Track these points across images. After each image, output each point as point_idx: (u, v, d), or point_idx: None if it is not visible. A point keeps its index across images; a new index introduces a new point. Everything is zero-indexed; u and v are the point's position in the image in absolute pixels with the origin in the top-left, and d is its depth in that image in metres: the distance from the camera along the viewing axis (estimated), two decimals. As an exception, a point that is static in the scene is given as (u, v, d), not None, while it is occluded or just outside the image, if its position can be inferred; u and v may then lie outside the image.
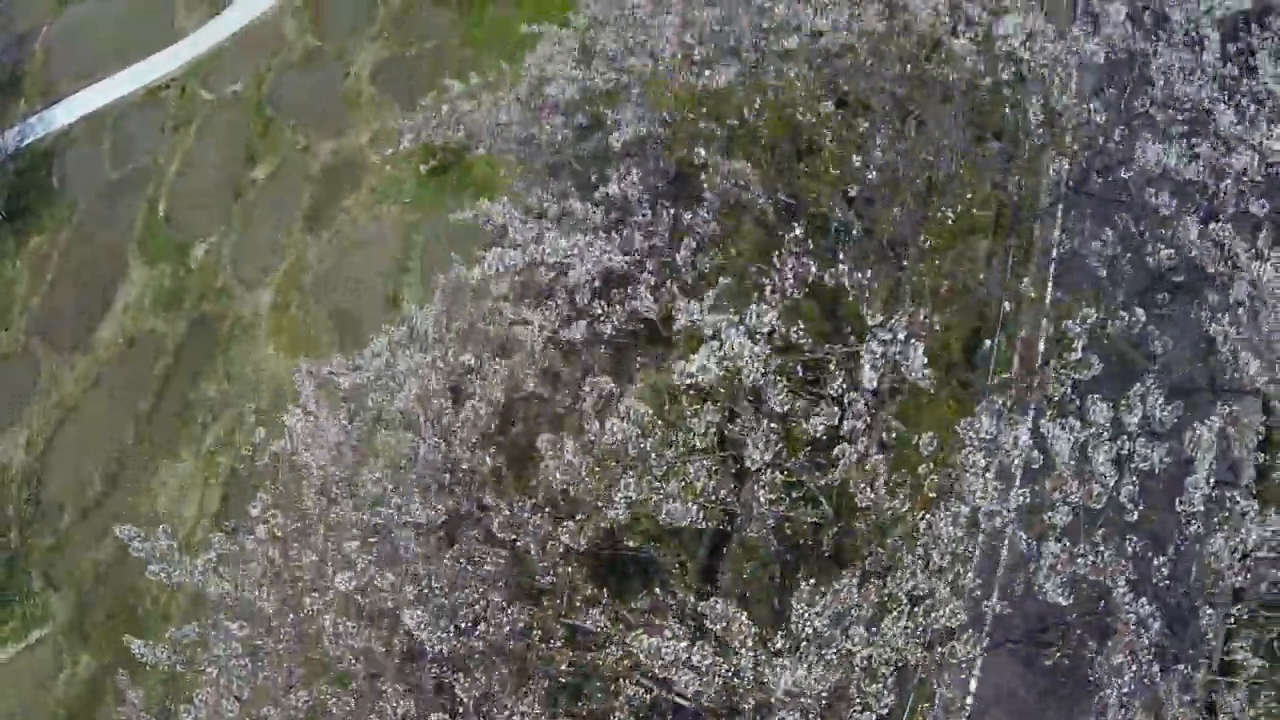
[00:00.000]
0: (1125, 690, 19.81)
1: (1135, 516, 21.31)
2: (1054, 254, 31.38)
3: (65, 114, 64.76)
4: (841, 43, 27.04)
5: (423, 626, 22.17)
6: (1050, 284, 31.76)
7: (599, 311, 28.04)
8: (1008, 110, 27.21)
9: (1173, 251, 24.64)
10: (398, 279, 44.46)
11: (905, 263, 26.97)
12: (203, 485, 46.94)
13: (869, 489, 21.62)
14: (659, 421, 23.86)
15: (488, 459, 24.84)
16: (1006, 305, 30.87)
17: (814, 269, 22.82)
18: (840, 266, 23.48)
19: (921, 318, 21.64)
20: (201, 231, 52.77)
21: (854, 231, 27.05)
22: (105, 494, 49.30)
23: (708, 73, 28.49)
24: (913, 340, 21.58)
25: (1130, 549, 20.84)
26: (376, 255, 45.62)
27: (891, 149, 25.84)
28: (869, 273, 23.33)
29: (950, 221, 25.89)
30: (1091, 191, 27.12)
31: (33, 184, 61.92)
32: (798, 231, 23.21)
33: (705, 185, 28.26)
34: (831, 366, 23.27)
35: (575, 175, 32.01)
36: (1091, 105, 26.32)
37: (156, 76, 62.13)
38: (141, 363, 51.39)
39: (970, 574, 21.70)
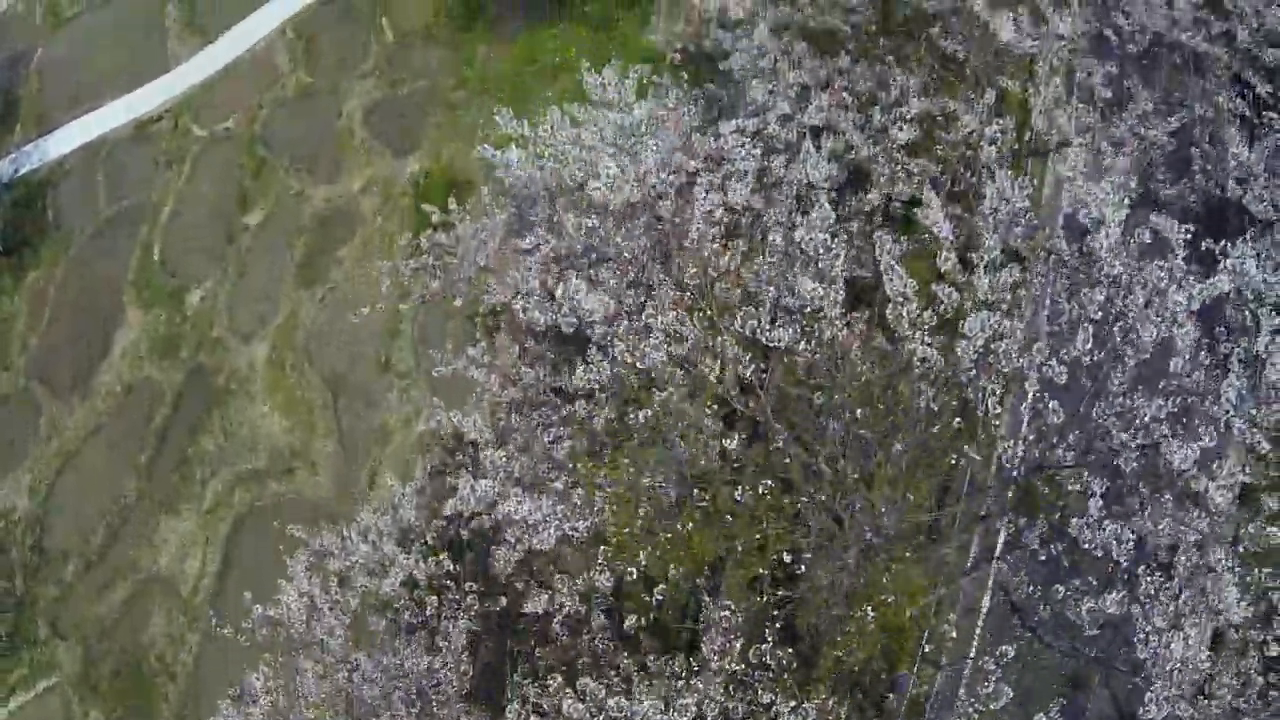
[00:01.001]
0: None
1: None
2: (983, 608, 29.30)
3: (59, 144, 62.62)
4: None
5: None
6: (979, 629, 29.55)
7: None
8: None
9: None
10: (389, 343, 42.52)
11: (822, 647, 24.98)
12: (204, 544, 45.39)
13: None
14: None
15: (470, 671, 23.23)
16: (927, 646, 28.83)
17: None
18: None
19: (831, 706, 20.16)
20: (197, 276, 50.72)
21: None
22: (108, 546, 47.98)
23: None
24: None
25: None
26: (369, 316, 43.47)
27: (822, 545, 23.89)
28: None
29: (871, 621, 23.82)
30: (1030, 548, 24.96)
31: (29, 217, 59.90)
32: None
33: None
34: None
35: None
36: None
37: (149, 108, 59.83)
38: (140, 412, 49.65)
39: None
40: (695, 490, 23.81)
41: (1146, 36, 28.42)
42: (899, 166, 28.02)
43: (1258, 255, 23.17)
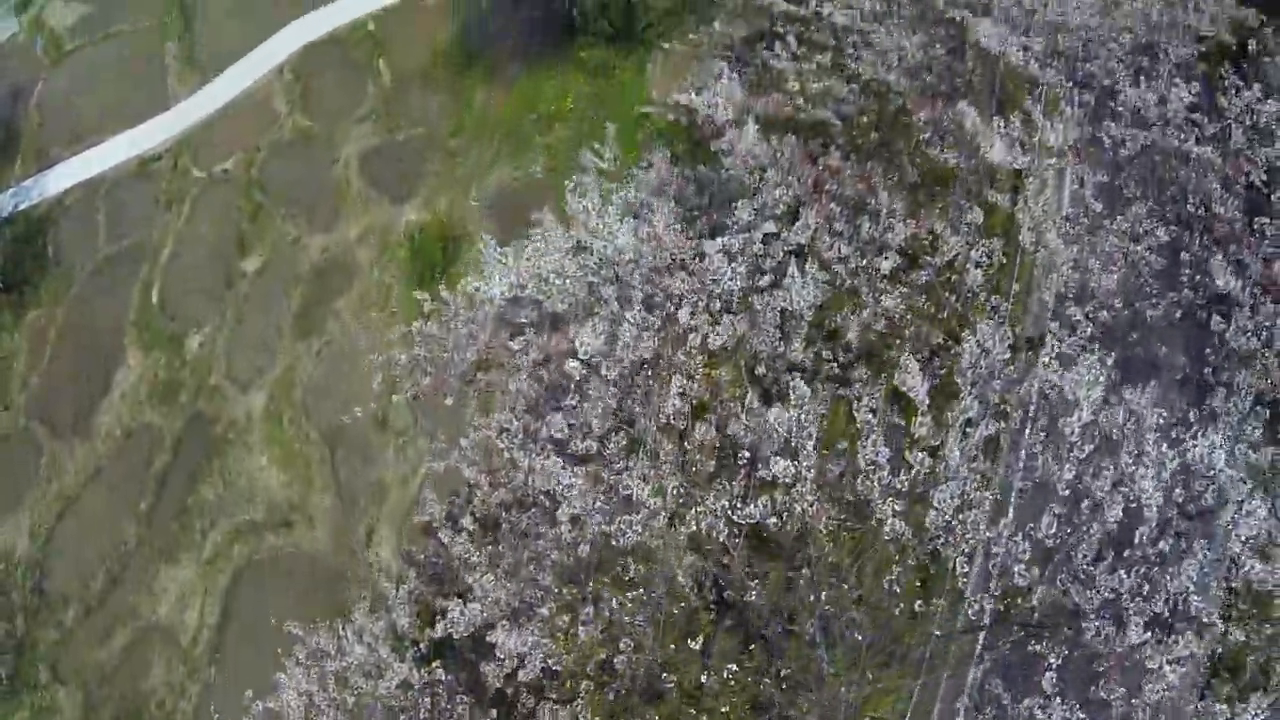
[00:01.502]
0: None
1: None
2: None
3: (60, 180, 61.79)
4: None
5: None
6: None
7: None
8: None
9: None
10: (386, 400, 41.61)
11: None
12: (203, 595, 44.61)
13: None
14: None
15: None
16: None
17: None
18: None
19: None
20: (196, 321, 49.92)
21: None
22: (108, 591, 47.19)
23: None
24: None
25: None
26: (366, 371, 42.72)
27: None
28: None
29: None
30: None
31: (29, 254, 58.99)
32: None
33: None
34: None
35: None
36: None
37: (149, 146, 59.02)
38: (140, 456, 48.87)
39: None
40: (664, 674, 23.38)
41: (1138, 143, 27.57)
42: (880, 312, 27.27)
43: (1226, 446, 22.88)
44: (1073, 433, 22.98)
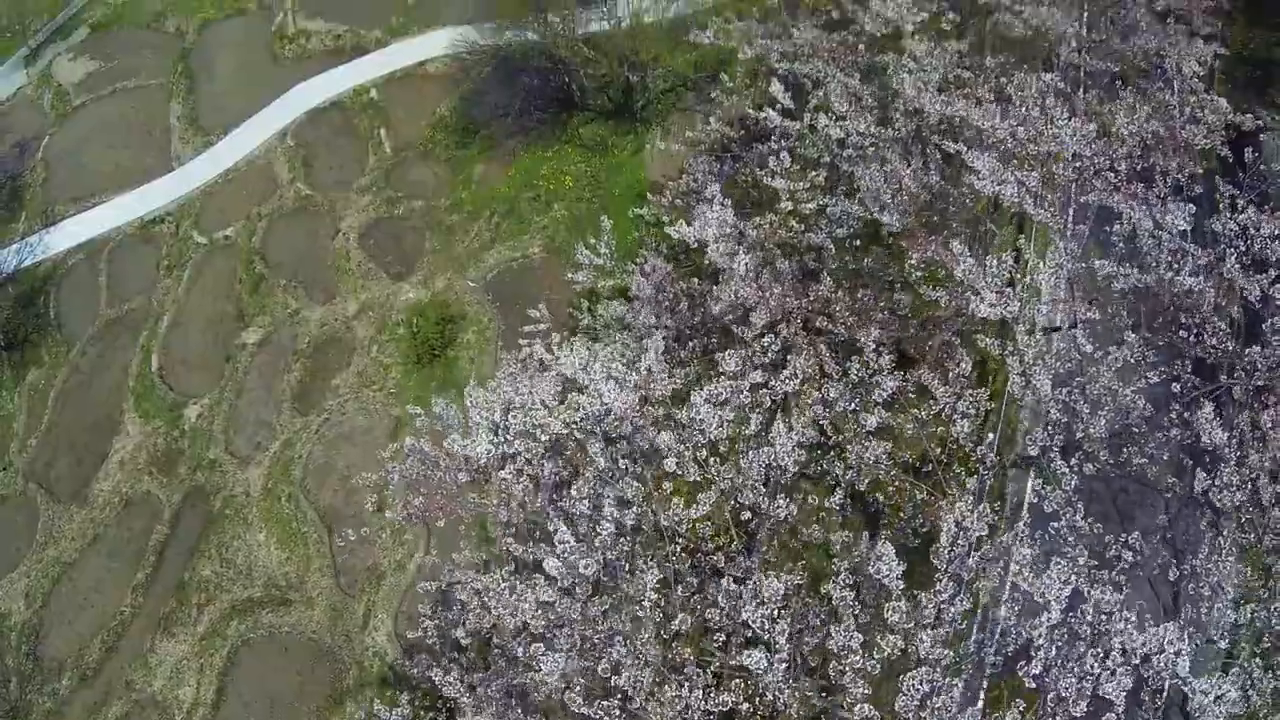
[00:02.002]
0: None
1: None
2: None
3: (63, 239, 60.79)
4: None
5: None
6: None
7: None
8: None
9: None
10: (383, 483, 40.54)
11: None
12: (198, 672, 43.41)
13: None
14: None
15: None
16: None
17: None
18: None
19: None
20: (194, 392, 48.91)
21: None
22: (103, 661, 46.06)
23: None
24: None
25: None
26: (363, 451, 41.80)
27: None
28: None
29: None
30: None
31: (31, 313, 58.07)
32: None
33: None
34: None
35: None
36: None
37: (152, 208, 58.17)
38: (138, 526, 47.84)
39: None
40: None
41: (1130, 279, 26.56)
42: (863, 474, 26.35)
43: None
44: (1040, 634, 22.23)
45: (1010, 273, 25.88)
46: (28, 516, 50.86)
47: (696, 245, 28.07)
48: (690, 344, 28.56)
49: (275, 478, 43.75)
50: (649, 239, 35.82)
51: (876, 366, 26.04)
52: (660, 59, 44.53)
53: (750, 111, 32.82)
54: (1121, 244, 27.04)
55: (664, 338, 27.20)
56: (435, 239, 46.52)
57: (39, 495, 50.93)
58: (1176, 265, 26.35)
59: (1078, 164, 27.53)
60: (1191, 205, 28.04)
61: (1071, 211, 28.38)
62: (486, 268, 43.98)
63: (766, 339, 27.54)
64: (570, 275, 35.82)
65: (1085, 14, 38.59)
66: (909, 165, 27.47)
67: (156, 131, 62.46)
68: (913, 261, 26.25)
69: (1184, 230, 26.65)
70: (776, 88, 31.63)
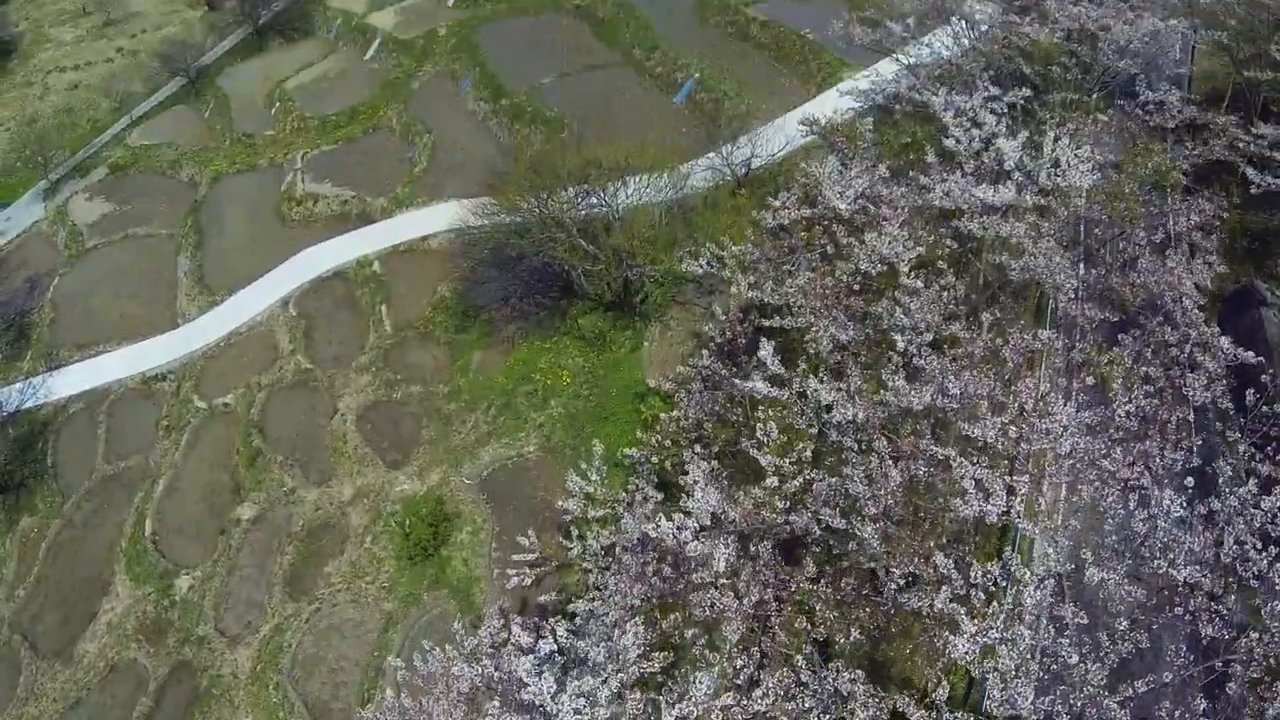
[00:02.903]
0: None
1: None
2: None
3: (66, 384, 59.15)
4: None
5: None
6: None
7: None
8: None
9: None
10: (371, 680, 38.71)
11: None
12: None
13: None
14: None
15: None
16: None
17: None
18: None
19: None
20: (187, 562, 46.91)
21: None
22: (78, 834, 42.89)
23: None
24: None
25: None
26: (354, 644, 40.04)
27: None
28: None
29: None
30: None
31: (29, 457, 56.11)
32: None
33: None
34: None
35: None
36: None
37: (154, 364, 56.63)
38: (122, 694, 45.39)
39: None
40: None
41: (1121, 575, 25.33)
42: None
43: None
44: None
45: (995, 581, 24.59)
46: (9, 668, 48.50)
47: (675, 539, 26.33)
48: (664, 623, 26.79)
49: (264, 663, 41.68)
50: (641, 468, 34.45)
51: (851, 690, 24.43)
52: (658, 260, 43.56)
53: (739, 384, 31.36)
54: (1114, 538, 25.83)
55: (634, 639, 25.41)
56: (432, 427, 45.06)
57: (23, 648, 48.62)
58: (1171, 554, 25.14)
59: (1071, 460, 26.55)
60: (1189, 483, 27.03)
61: (1061, 514, 27.23)
62: (482, 465, 42.50)
63: (739, 661, 26.05)
64: (561, 504, 34.41)
65: (1083, 250, 37.85)
66: (897, 464, 26.32)
67: (164, 285, 61.35)
68: (894, 573, 24.92)
69: (1180, 518, 25.50)
70: (765, 351, 30.55)
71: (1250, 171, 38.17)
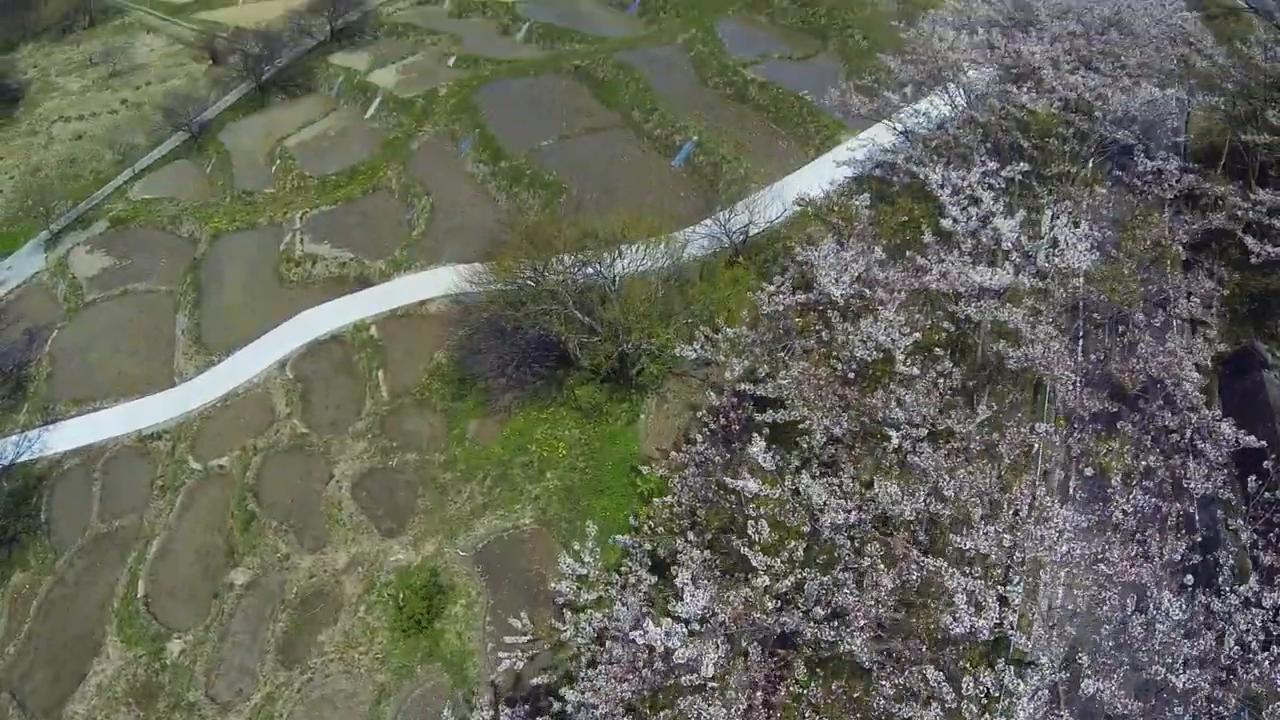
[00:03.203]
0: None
1: None
2: None
3: (61, 440, 58.45)
4: None
5: None
6: None
7: None
8: None
9: None
10: (363, 766, 38.05)
11: None
12: None
13: None
14: None
15: None
16: None
17: None
18: None
19: None
20: (178, 625, 46.15)
21: None
22: None
23: None
24: None
25: None
26: (346, 715, 39.47)
27: None
28: None
29: None
30: None
31: (23, 512, 55.42)
32: None
33: None
34: None
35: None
36: None
37: (150, 423, 56.00)
38: (110, 760, 44.33)
39: None
40: None
41: (1117, 682, 24.93)
42: None
43: None
44: None
45: (989, 692, 24.19)
46: (-3, 728, 47.59)
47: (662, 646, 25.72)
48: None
49: (254, 736, 40.98)
50: (634, 552, 34.06)
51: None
52: (653, 335, 43.41)
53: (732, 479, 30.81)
54: (1110, 643, 25.50)
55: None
56: (428, 497, 44.61)
57: (11, 706, 47.61)
58: (1170, 659, 24.72)
59: (1066, 566, 26.27)
60: (1188, 583, 26.73)
61: (1055, 621, 26.82)
62: (477, 536, 42.06)
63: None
64: (554, 585, 33.99)
65: (1081, 333, 37.53)
66: (890, 569, 25.96)
67: (162, 342, 60.94)
68: (885, 687, 24.50)
69: (1179, 620, 25.10)
70: (757, 448, 30.21)
71: (1250, 241, 37.76)
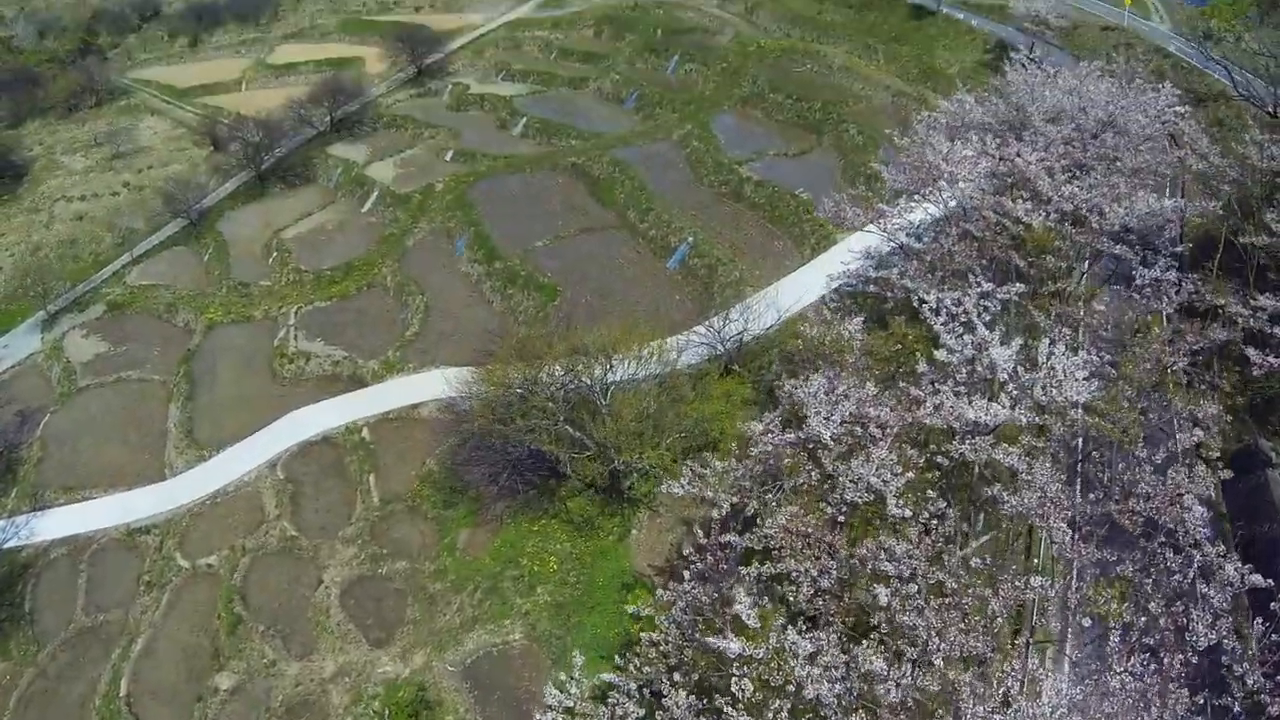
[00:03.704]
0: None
1: None
2: None
3: (49, 527, 57.28)
4: None
5: None
6: None
7: None
8: None
9: None
10: None
11: None
12: None
13: None
14: None
15: None
16: None
17: None
18: None
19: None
20: (160, 728, 44.80)
21: None
22: None
23: None
24: None
25: None
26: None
27: None
28: None
29: None
30: None
31: (6, 600, 54.17)
32: None
33: None
34: None
35: None
36: None
37: (139, 516, 55.12)
38: None
39: None
40: None
41: None
42: None
43: None
44: None
45: None
46: (-36, 826, 46.03)
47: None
48: None
49: None
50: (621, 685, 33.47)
51: None
52: (644, 454, 43.24)
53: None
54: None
55: None
56: (417, 607, 43.89)
57: (-14, 803, 46.20)
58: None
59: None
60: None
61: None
62: (466, 651, 41.27)
63: None
64: (539, 717, 33.31)
65: (1079, 470, 36.52)
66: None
67: (154, 433, 60.16)
68: None
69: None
70: (741, 606, 29.65)
71: (1252, 353, 36.55)
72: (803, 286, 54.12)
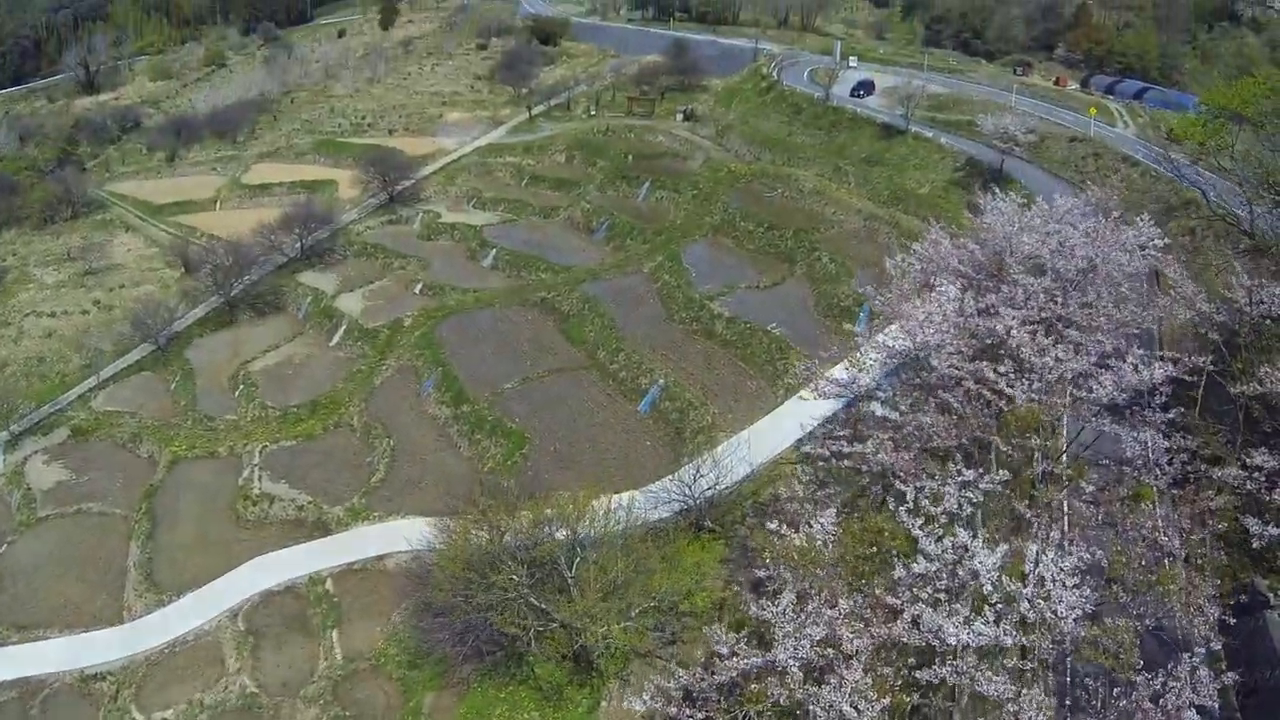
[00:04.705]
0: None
1: None
2: None
3: (1, 665, 53.91)
4: None
5: None
6: None
7: None
8: None
9: None
10: None
11: None
12: None
13: None
14: None
15: None
16: None
17: None
18: None
19: None
20: None
21: None
22: None
23: None
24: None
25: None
26: None
27: None
28: None
29: None
30: None
31: (-50, 747, 50.60)
32: None
33: None
34: None
35: None
36: None
37: (95, 662, 52.32)
38: None
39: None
40: None
41: None
42: None
43: None
44: None
45: None
46: None
47: None
48: None
49: None
50: None
51: None
52: (612, 629, 41.85)
53: None
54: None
55: None
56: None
57: None
58: None
59: None
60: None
61: None
62: None
63: None
64: None
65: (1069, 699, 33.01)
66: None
67: (113, 572, 57.54)
68: None
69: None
70: None
71: (1252, 524, 33.17)
72: (780, 432, 52.80)
